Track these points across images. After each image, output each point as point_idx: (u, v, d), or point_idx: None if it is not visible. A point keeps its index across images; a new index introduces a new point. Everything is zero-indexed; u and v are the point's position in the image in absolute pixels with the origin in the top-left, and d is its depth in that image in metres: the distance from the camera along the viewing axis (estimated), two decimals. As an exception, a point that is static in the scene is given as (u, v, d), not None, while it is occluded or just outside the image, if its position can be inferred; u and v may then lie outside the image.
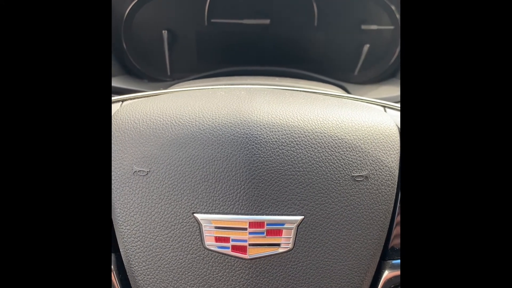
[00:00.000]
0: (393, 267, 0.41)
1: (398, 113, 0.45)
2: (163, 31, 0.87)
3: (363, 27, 0.87)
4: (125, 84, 0.87)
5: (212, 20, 0.87)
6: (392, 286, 0.41)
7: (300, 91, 0.50)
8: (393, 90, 0.85)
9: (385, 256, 0.41)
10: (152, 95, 0.48)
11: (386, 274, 0.41)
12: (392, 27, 0.87)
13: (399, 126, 0.43)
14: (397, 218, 0.41)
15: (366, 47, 0.88)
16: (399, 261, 0.42)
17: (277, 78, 0.78)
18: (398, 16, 0.86)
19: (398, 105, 0.48)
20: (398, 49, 0.89)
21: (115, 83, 0.86)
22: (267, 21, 0.87)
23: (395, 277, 0.41)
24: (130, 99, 0.47)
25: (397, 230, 0.41)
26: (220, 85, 0.57)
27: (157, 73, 0.92)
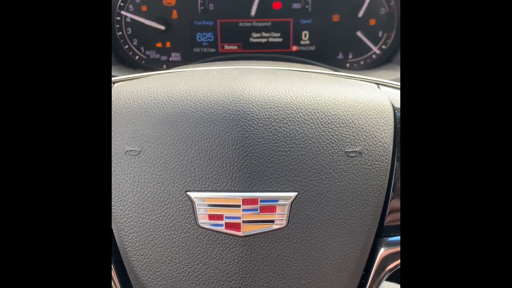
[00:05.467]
0: (389, 244, 0.41)
1: (392, 90, 0.45)
2: (157, 20, 0.87)
3: (359, 14, 0.87)
4: (119, 73, 0.86)
5: (205, 8, 0.87)
6: (389, 263, 0.41)
7: (293, 70, 0.49)
8: (389, 74, 0.85)
9: (380, 233, 0.41)
10: (143, 77, 0.47)
11: (382, 252, 0.41)
12: (387, 11, 0.87)
13: (393, 102, 0.42)
14: (392, 194, 0.40)
15: (361, 32, 0.88)
16: (395, 238, 0.41)
17: (270, 62, 0.78)
18: (393, 1, 0.86)
19: (392, 82, 0.47)
20: (393, 34, 0.88)
21: None
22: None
23: (391, 254, 0.41)
24: (121, 80, 0.47)
25: (392, 206, 0.41)
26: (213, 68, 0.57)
27: (151, 63, 0.91)
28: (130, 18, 0.88)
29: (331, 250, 0.39)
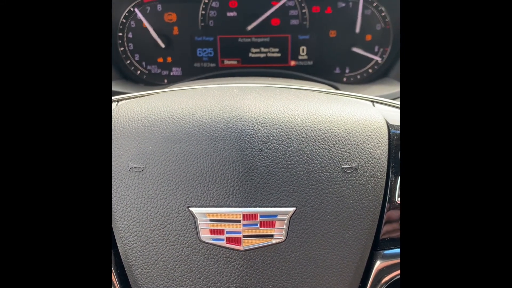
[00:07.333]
0: (384, 257, 0.42)
1: (386, 107, 0.47)
2: (158, 36, 0.89)
3: (355, 30, 0.89)
4: (121, 88, 0.88)
5: (205, 24, 0.89)
6: (385, 275, 0.42)
7: (291, 88, 0.51)
8: (385, 89, 0.87)
9: (376, 246, 0.42)
10: (146, 95, 0.49)
11: (378, 264, 0.42)
12: (382, 27, 0.89)
13: (387, 120, 0.44)
14: (387, 208, 0.42)
15: (357, 47, 0.90)
16: (390, 251, 0.43)
17: (269, 78, 0.80)
18: (388, 17, 0.88)
19: (387, 100, 0.49)
20: (388, 49, 0.90)
21: (112, 87, 0.87)
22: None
23: (387, 267, 0.42)
24: (125, 99, 0.48)
25: (387, 220, 0.42)
26: (214, 85, 0.59)
27: (153, 77, 0.93)
28: (131, 35, 0.90)
29: (329, 263, 0.40)
